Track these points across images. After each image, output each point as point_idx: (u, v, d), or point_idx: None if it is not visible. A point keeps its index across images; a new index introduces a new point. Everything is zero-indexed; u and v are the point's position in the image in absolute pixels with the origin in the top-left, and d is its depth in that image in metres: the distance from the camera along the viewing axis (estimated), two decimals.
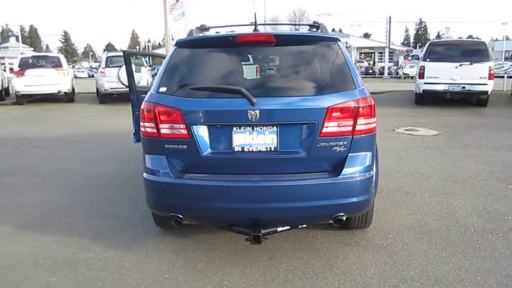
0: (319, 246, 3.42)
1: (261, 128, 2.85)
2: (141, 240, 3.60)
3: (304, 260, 3.19)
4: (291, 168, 2.89)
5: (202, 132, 2.87)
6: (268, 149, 2.86)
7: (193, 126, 2.86)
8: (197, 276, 3.01)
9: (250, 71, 3.06)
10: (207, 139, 2.88)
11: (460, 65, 11.04)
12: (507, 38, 53.65)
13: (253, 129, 2.86)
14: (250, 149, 2.87)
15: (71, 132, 9.27)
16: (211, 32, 3.75)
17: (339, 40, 3.09)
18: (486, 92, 11.23)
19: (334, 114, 2.82)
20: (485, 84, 11.04)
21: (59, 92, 14.15)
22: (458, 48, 11.70)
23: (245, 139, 2.87)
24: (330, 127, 2.82)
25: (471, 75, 10.95)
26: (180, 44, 3.15)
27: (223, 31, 3.70)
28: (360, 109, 2.85)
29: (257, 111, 2.77)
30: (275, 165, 2.89)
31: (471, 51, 11.30)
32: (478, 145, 7.09)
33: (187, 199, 2.90)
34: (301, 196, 2.80)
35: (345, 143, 2.86)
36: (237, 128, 2.86)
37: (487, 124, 9.32)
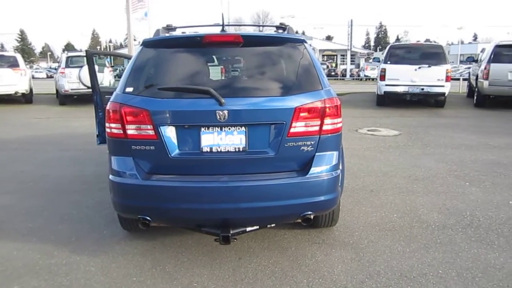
0: (287, 245, 3.46)
1: (229, 129, 2.86)
2: (107, 244, 3.51)
3: (273, 260, 3.22)
4: (259, 168, 2.91)
5: (169, 132, 2.84)
6: (237, 149, 2.87)
7: (161, 127, 2.82)
8: (166, 279, 2.97)
9: (217, 72, 3.05)
10: (175, 140, 2.86)
11: (419, 68, 11.46)
12: (462, 42, 56.10)
13: (221, 129, 2.86)
14: (219, 150, 2.87)
15: (30, 134, 8.92)
16: (178, 32, 3.72)
17: (306, 42, 3.14)
18: (443, 94, 11.71)
19: (302, 114, 2.86)
20: (443, 86, 11.51)
21: (16, 93, 13.58)
22: (417, 51, 12.14)
23: (214, 140, 2.86)
24: (298, 127, 2.86)
25: (429, 77, 11.39)
26: (147, 44, 3.11)
27: (189, 32, 3.68)
28: (327, 109, 2.91)
29: (226, 111, 2.78)
30: (244, 165, 2.90)
31: (429, 54, 11.75)
32: (437, 144, 7.37)
33: (155, 201, 2.86)
34: (270, 196, 2.83)
35: (312, 142, 2.91)
36: (205, 129, 2.85)
37: (445, 124, 9.70)
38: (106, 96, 5.43)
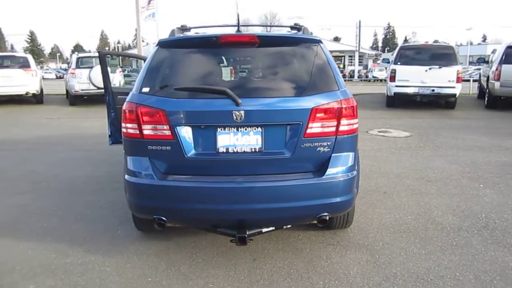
0: (301, 246, 3.44)
1: (245, 129, 2.85)
2: (121, 244, 3.52)
3: (288, 261, 3.20)
4: (275, 169, 2.90)
5: (186, 133, 2.84)
6: (253, 150, 2.86)
7: (177, 127, 2.82)
8: (181, 279, 2.97)
9: (230, 72, 3.05)
10: (191, 140, 2.86)
11: (430, 69, 11.38)
12: (471, 43, 55.66)
13: (237, 130, 2.85)
14: (235, 150, 2.86)
15: (41, 134, 8.98)
16: (192, 33, 3.72)
17: (322, 42, 3.13)
18: (454, 95, 11.62)
19: (318, 114, 2.85)
20: (454, 87, 11.42)
21: (27, 93, 13.69)
22: (427, 52, 12.05)
23: (230, 140, 2.86)
24: (314, 127, 2.85)
25: (440, 78, 11.30)
26: (162, 44, 3.11)
27: (203, 32, 3.68)
28: (343, 110, 2.89)
29: (242, 112, 2.77)
30: (260, 166, 2.89)
31: (439, 55, 11.67)
32: (449, 146, 7.31)
33: (171, 201, 2.86)
34: (286, 197, 2.81)
35: (328, 143, 2.89)
36: (221, 129, 2.85)
37: (456, 125, 9.63)
38: (119, 97, 5.49)
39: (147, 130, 2.87)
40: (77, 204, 4.49)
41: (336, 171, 2.91)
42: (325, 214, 2.91)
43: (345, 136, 2.93)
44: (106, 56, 5.36)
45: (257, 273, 3.04)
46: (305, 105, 2.84)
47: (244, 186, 2.80)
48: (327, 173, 2.88)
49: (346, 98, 2.93)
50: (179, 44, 3.11)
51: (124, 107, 3.00)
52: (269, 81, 2.97)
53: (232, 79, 2.98)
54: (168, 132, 2.84)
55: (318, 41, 3.11)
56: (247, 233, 2.87)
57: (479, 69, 16.56)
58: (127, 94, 5.58)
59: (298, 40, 3.10)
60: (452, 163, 6.07)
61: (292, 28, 3.63)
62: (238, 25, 3.33)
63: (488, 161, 6.19)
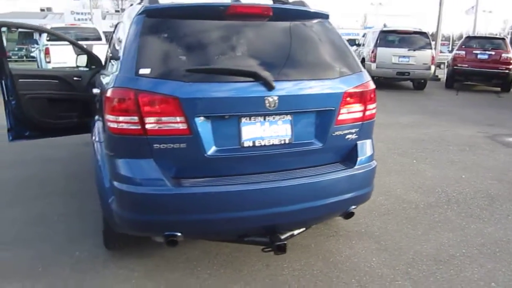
0: (304, 242, 3.14)
1: (273, 118, 2.42)
2: (91, 270, 2.76)
3: (304, 261, 2.89)
4: (305, 162, 2.54)
5: (205, 125, 2.28)
6: (282, 142, 2.45)
7: (195, 119, 2.25)
8: None
9: (247, 50, 2.52)
10: (210, 134, 2.31)
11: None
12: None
13: (264, 119, 2.40)
14: (262, 143, 2.41)
15: None
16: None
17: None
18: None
19: (349, 99, 2.56)
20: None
21: None
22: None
23: (256, 132, 2.39)
24: (345, 113, 2.57)
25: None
26: (151, 12, 2.42)
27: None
28: (370, 93, 2.67)
29: (276, 98, 2.33)
30: (289, 160, 2.50)
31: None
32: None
33: (189, 213, 2.29)
34: (323, 193, 2.49)
35: (356, 130, 2.64)
36: (246, 119, 2.36)
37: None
38: (20, 80, 4.37)
39: (152, 124, 2.22)
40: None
41: (364, 160, 2.68)
42: (354, 207, 2.69)
43: (369, 121, 2.72)
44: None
45: (281, 281, 2.67)
46: (338, 89, 2.52)
47: (279, 186, 2.37)
48: (358, 163, 2.63)
49: (369, 80, 2.71)
50: (174, 13, 2.45)
51: (110, 94, 2.28)
52: (293, 61, 2.55)
53: (248, 58, 2.47)
54: (183, 126, 2.24)
55: (328, 17, 2.80)
56: (281, 238, 2.47)
57: None
58: (33, 77, 4.54)
59: (312, 15, 2.73)
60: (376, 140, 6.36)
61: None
62: None
63: (401, 137, 6.68)
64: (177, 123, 2.23)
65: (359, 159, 2.65)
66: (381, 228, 3.42)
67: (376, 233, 3.33)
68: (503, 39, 13.65)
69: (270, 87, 2.31)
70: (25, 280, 2.64)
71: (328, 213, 2.65)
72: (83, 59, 4.83)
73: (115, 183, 2.33)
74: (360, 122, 2.65)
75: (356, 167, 2.62)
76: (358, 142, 2.69)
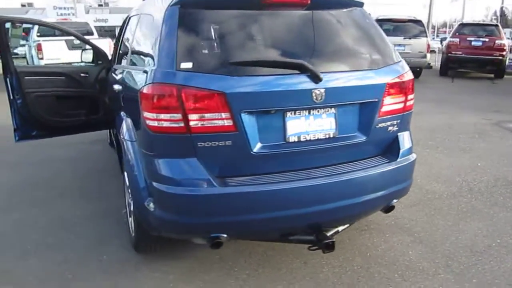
0: (338, 237, 3.01)
1: (318, 111, 2.33)
2: (121, 274, 2.66)
3: (342, 258, 2.82)
4: (349, 156, 2.46)
5: (251, 122, 2.18)
6: (327, 136, 2.36)
7: (241, 114, 2.14)
8: None
9: (287, 41, 2.42)
10: (256, 131, 2.21)
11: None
12: None
13: (309, 113, 2.31)
14: (307, 138, 2.32)
15: None
16: None
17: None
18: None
19: (392, 90, 2.49)
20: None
21: None
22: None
23: (301, 126, 2.30)
24: (388, 104, 2.49)
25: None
26: (185, 3, 2.29)
27: None
28: (409, 84, 2.59)
29: (323, 90, 2.24)
30: (333, 155, 2.42)
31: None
32: None
33: (237, 213, 2.19)
34: (370, 188, 2.42)
35: (397, 122, 2.57)
36: (291, 113, 2.27)
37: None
38: (26, 78, 4.19)
39: (196, 121, 2.11)
40: (6, 223, 3.27)
41: (405, 152, 2.62)
42: (395, 201, 2.63)
43: (409, 112, 2.65)
44: (5, 23, 4.02)
45: (322, 278, 2.60)
46: (381, 80, 2.44)
47: (327, 182, 2.29)
48: (400, 155, 2.57)
49: (408, 70, 2.64)
50: (209, 3, 2.32)
51: (149, 90, 2.16)
52: (335, 52, 2.45)
53: (289, 49, 2.36)
54: (228, 122, 2.13)
55: (363, 5, 2.71)
56: (328, 235, 2.40)
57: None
58: (40, 74, 4.36)
59: (347, 3, 2.63)
60: None
61: None
62: None
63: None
64: (223, 120, 2.12)
65: (401, 151, 2.58)
66: (411, 220, 3.37)
67: (407, 225, 3.28)
68: (496, 25, 13.66)
69: (317, 79, 2.21)
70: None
71: (373, 208, 2.58)
72: (88, 54, 4.67)
73: (155, 184, 2.22)
74: (401, 114, 2.58)
75: (399, 159, 2.55)
76: (398, 134, 2.62)
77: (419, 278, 2.61)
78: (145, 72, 2.31)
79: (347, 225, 2.64)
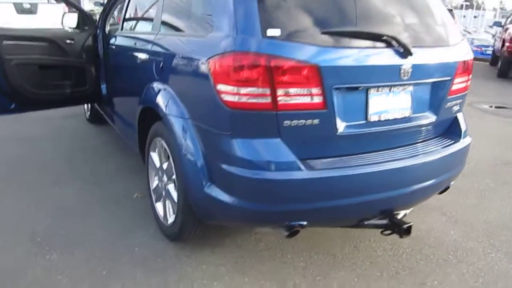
0: None
1: (397, 89, 2.17)
2: (165, 269, 2.38)
3: (389, 240, 2.74)
4: (419, 137, 2.35)
5: (338, 99, 1.97)
6: (403, 115, 2.22)
7: (332, 91, 1.93)
8: None
9: (374, 12, 2.18)
10: (341, 109, 2.01)
11: None
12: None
13: (390, 90, 2.15)
14: (387, 117, 2.16)
15: None
16: None
17: None
18: None
19: (461, 68, 2.39)
20: None
21: None
22: None
23: (382, 104, 2.13)
24: (457, 83, 2.40)
25: None
26: None
27: None
28: (471, 63, 2.52)
29: (410, 66, 2.08)
30: (406, 135, 2.29)
31: None
32: None
33: (322, 199, 1.99)
34: (443, 169, 2.33)
35: (460, 101, 2.50)
36: (374, 90, 2.09)
37: None
38: (5, 42, 3.61)
39: (285, 97, 1.86)
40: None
41: (466, 132, 2.56)
42: (452, 183, 2.58)
43: (467, 92, 2.58)
44: None
45: (381, 263, 2.49)
46: (455, 57, 2.33)
47: (411, 165, 2.14)
48: (462, 135, 2.50)
49: (470, 49, 2.56)
50: None
51: (227, 60, 1.87)
52: (417, 26, 2.25)
53: (376, 21, 2.13)
54: (318, 99, 1.91)
55: None
56: (400, 219, 2.29)
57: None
58: (20, 38, 3.76)
59: None
60: None
61: None
62: None
63: None
64: (313, 96, 1.89)
65: (463, 131, 2.51)
66: (436, 200, 3.35)
67: (436, 205, 3.27)
68: None
69: (407, 54, 2.05)
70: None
71: (438, 189, 2.50)
72: (72, 18, 4.12)
73: (226, 167, 1.96)
74: (463, 93, 2.50)
75: (462, 140, 2.48)
76: (458, 114, 2.55)
77: (473, 259, 2.59)
78: (213, 38, 2.00)
79: (412, 208, 2.55)
